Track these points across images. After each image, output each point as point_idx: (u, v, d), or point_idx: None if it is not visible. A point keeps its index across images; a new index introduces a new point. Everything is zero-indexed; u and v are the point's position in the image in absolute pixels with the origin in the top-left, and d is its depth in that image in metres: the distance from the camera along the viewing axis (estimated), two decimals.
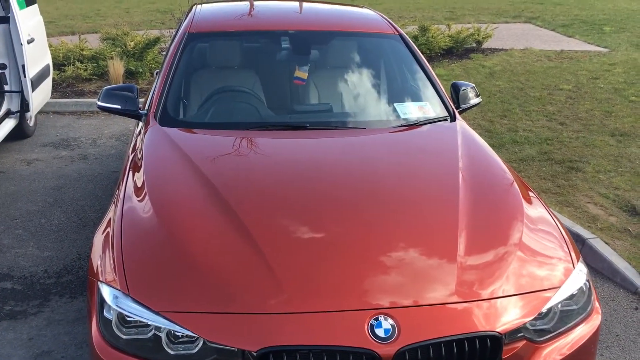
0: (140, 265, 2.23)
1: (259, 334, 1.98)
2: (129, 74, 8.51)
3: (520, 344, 2.11)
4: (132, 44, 8.81)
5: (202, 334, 2.00)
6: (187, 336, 2.04)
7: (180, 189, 2.60)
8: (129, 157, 3.11)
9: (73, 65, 8.48)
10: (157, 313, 2.06)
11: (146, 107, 3.55)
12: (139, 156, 2.92)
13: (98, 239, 2.48)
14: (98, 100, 3.48)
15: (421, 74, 3.67)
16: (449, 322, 2.05)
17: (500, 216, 2.53)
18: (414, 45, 3.88)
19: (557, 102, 7.77)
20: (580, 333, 2.28)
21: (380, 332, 1.98)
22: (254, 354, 1.95)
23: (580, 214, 4.71)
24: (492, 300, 2.13)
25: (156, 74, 5.56)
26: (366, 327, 1.99)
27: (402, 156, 3.00)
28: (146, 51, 8.90)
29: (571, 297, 2.28)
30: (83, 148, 6.27)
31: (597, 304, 2.41)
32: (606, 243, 4.24)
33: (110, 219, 2.54)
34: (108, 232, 2.44)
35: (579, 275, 2.35)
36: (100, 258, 2.34)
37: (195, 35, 3.66)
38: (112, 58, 8.41)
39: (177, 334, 2.05)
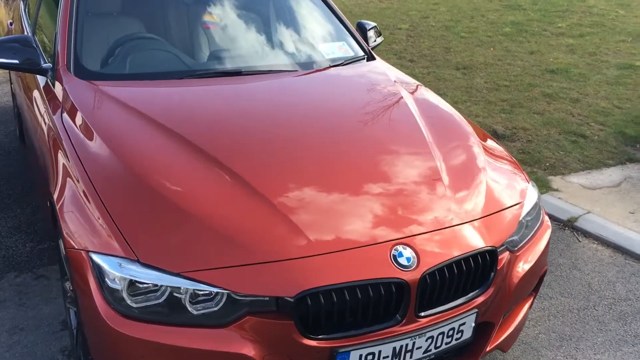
0: (138, 229, 2.05)
1: (293, 280, 1.96)
2: None
3: (506, 254, 2.35)
4: None
5: (232, 289, 1.93)
6: (207, 294, 1.96)
7: (154, 146, 2.40)
8: (52, 118, 2.74)
9: None
10: (177, 275, 1.94)
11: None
12: (75, 114, 2.62)
13: (69, 215, 2.21)
14: None
15: (332, 15, 3.71)
16: (456, 243, 2.20)
17: (462, 144, 2.73)
18: None
19: (400, 41, 8.26)
20: (539, 241, 2.58)
21: (403, 260, 2.08)
22: (291, 299, 1.94)
23: None
24: (484, 219, 2.33)
25: (10, 24, 4.90)
26: (389, 257, 2.07)
27: (352, 95, 3.05)
28: None
29: (531, 210, 2.56)
30: None
31: (546, 216, 2.73)
32: None
33: (71, 190, 2.28)
34: (80, 204, 2.19)
35: (534, 191, 2.64)
36: (82, 230, 2.11)
37: None
38: None
39: (198, 293, 1.95)
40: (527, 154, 4.99)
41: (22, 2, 4.66)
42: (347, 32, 3.65)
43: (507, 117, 5.74)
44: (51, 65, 3.01)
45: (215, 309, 1.96)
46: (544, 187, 4.46)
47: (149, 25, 3.33)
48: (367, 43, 3.78)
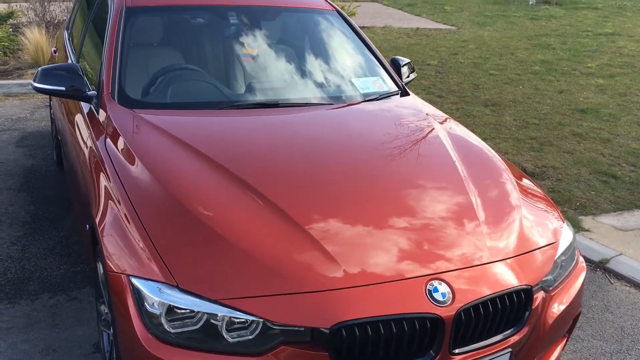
0: (178, 255, 2.10)
1: (329, 311, 1.97)
2: None
3: (541, 294, 2.34)
4: None
5: (268, 317, 1.95)
6: (243, 322, 1.98)
7: (194, 173, 2.46)
8: (95, 144, 2.82)
9: None
10: (215, 302, 1.96)
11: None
12: (118, 140, 2.69)
13: (110, 239, 2.27)
14: (34, 81, 3.12)
15: (366, 50, 3.78)
16: (492, 280, 2.20)
17: (497, 181, 2.74)
18: (352, 20, 3.97)
19: (429, 76, 8.32)
20: (574, 281, 2.56)
21: (438, 296, 2.08)
22: (327, 331, 1.95)
23: None
24: (519, 257, 2.32)
25: (54, 52, 5.07)
26: (425, 292, 2.08)
27: (386, 129, 3.09)
28: None
29: (566, 250, 2.55)
30: None
31: (580, 257, 2.71)
32: None
33: (113, 214, 2.34)
34: (122, 227, 2.25)
35: (569, 231, 2.63)
36: (123, 254, 2.16)
37: (134, 10, 3.40)
38: None
39: (234, 320, 1.98)
40: (557, 193, 4.96)
41: (66, 32, 4.83)
42: (381, 67, 3.71)
43: (536, 155, 5.73)
44: (96, 92, 3.11)
45: (251, 337, 1.98)
46: (574, 227, 4.41)
47: (190, 57, 3.43)
48: (401, 78, 3.83)
